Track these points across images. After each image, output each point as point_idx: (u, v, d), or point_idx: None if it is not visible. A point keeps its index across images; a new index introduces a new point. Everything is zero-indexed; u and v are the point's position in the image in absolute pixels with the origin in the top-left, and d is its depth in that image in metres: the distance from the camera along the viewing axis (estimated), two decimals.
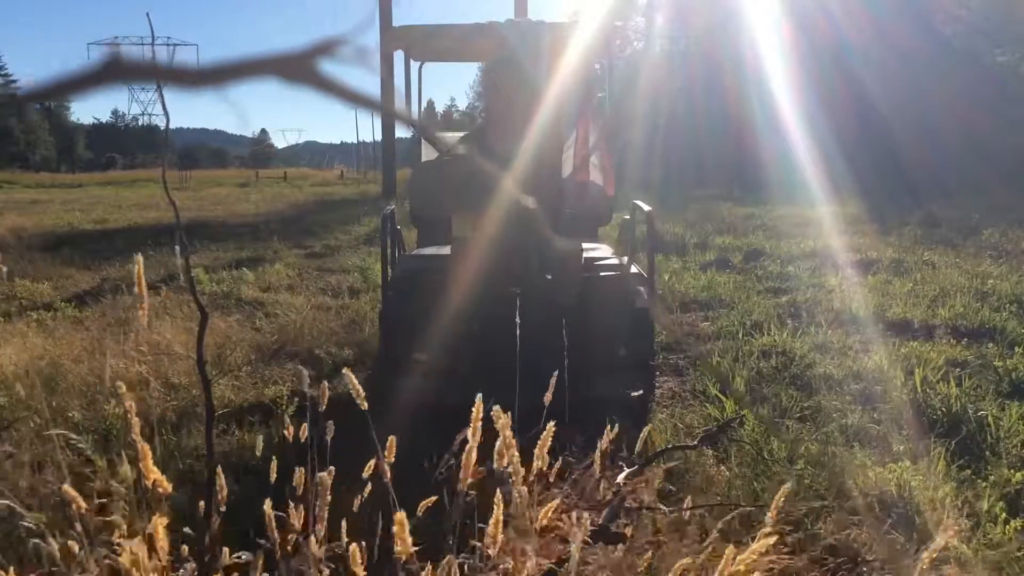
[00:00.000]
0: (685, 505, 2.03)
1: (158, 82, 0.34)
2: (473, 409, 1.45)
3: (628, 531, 1.87)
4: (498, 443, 1.43)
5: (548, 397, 1.92)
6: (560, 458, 2.02)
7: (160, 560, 1.21)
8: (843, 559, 2.28)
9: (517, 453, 1.70)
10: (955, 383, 3.78)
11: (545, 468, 1.71)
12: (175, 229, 1.44)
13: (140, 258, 1.28)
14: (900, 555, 2.23)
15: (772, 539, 1.30)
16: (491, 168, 0.48)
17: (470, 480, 1.45)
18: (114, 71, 0.32)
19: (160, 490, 1.18)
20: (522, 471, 1.51)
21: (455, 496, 1.57)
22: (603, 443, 1.84)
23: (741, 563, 1.25)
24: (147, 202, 19.86)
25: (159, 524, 1.16)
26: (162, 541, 1.17)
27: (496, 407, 1.41)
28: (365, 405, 1.56)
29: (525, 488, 1.72)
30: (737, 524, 2.31)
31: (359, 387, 1.54)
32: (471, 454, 1.41)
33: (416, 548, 1.47)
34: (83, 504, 1.26)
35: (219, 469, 1.50)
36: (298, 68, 0.35)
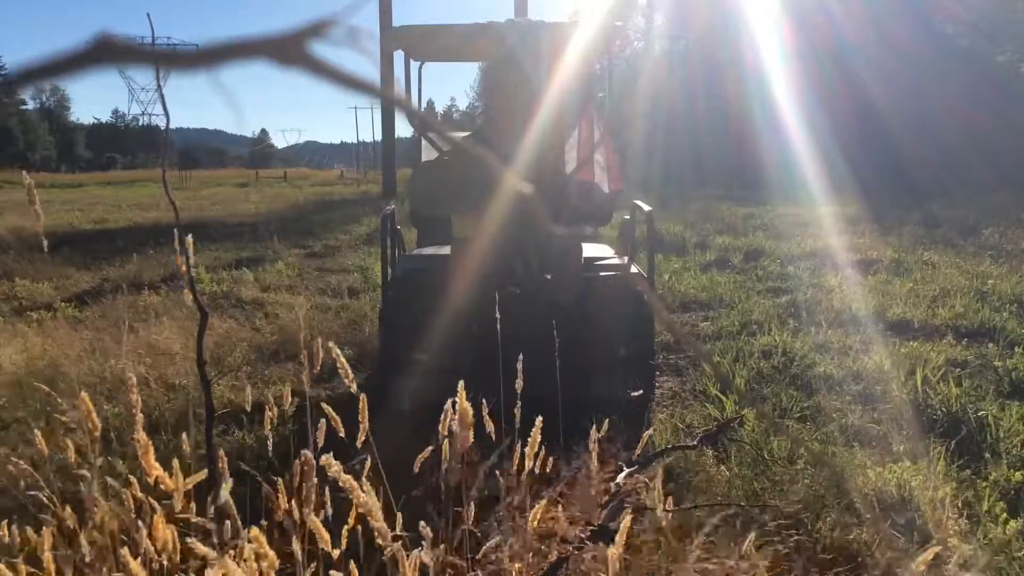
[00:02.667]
0: (684, 504, 2.03)
1: (150, 63, 0.33)
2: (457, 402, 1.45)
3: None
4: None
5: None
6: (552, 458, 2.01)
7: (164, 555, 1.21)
8: (843, 559, 2.28)
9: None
10: (955, 383, 3.78)
11: (538, 466, 1.71)
12: (176, 229, 1.44)
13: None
14: (900, 555, 2.23)
15: None
16: (494, 162, 0.47)
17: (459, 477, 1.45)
18: (104, 51, 0.32)
19: (162, 487, 1.18)
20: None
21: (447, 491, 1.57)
22: (592, 441, 1.84)
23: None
24: (147, 202, 19.86)
25: (159, 521, 1.16)
26: (164, 537, 1.17)
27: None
28: (354, 387, 1.56)
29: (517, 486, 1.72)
30: (738, 524, 2.31)
31: (347, 367, 1.54)
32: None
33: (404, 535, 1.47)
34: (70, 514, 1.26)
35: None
36: (290, 50, 0.34)
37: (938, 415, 3.45)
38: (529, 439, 1.63)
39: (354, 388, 1.57)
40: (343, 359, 1.53)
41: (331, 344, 1.57)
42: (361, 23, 0.38)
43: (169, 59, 0.33)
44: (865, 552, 2.30)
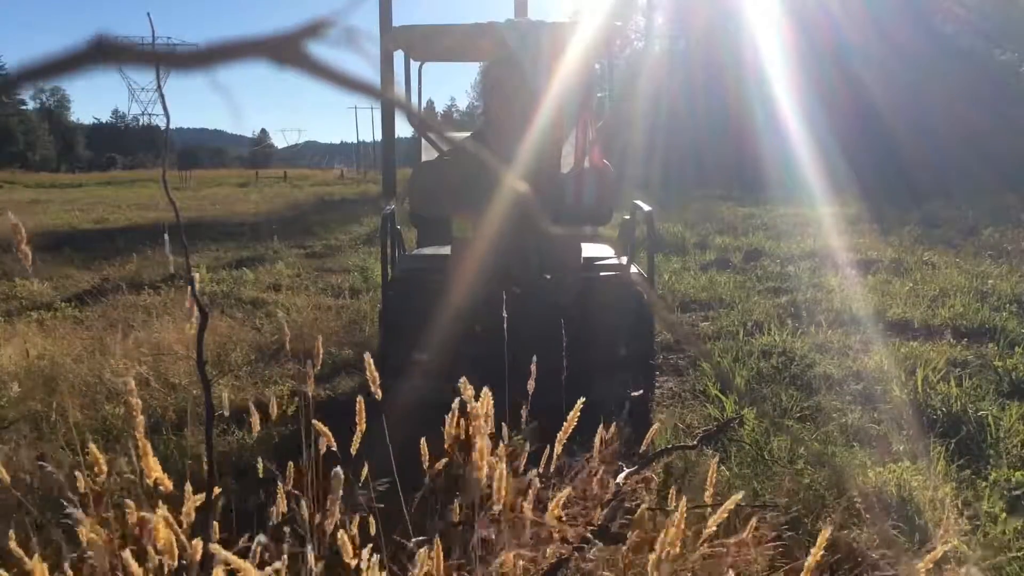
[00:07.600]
0: (684, 505, 2.03)
1: (146, 64, 0.34)
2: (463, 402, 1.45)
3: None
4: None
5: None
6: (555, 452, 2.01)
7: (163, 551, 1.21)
8: (843, 559, 2.28)
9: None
10: (955, 383, 3.78)
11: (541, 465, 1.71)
12: (176, 229, 1.44)
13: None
14: (900, 555, 2.23)
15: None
16: (493, 162, 0.47)
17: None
18: (102, 52, 0.32)
19: (161, 488, 1.18)
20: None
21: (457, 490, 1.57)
22: (597, 441, 1.84)
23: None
24: (147, 202, 19.86)
25: (159, 513, 1.16)
26: (164, 535, 1.17)
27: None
28: (380, 394, 1.57)
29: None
30: (737, 524, 2.31)
31: (375, 373, 1.55)
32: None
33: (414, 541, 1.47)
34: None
35: None
36: (287, 50, 0.35)
37: (938, 415, 3.45)
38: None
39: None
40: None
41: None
42: (360, 23, 0.38)
43: (166, 59, 0.33)
44: (865, 552, 2.30)
